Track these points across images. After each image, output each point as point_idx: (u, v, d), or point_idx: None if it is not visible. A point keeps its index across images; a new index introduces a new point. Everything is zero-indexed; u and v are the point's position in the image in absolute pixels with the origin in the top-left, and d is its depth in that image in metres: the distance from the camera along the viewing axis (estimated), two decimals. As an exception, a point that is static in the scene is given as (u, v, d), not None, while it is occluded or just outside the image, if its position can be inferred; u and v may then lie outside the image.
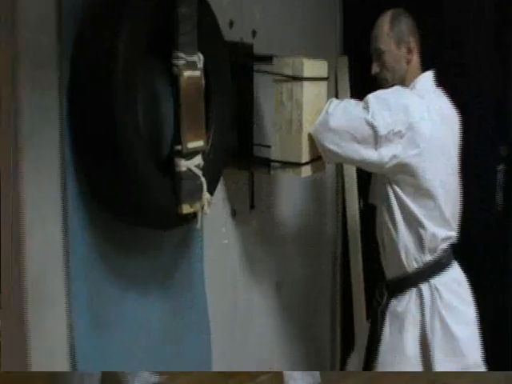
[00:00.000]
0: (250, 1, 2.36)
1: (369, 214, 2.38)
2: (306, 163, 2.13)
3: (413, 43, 2.19)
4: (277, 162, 2.13)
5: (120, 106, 1.58)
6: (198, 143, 1.81)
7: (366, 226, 2.75)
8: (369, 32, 2.24)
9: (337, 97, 2.94)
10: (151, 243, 1.93)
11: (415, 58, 2.21)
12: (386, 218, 2.17)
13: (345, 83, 2.94)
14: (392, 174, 2.11)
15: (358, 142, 2.06)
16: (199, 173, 1.82)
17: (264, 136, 2.44)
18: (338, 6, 3.04)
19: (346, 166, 2.98)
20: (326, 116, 2.12)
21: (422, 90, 2.16)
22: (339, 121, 2.08)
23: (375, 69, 2.23)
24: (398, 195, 2.13)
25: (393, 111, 2.04)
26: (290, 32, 2.63)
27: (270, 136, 2.20)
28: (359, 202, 2.98)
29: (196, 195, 1.82)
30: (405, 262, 2.16)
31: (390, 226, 2.16)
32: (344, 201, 3.04)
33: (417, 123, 2.05)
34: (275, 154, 2.13)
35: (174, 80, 1.75)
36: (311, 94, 2.12)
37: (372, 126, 2.04)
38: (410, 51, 2.19)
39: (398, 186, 2.11)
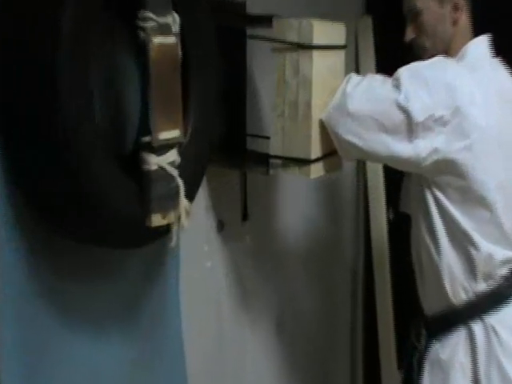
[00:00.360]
0: None
1: (401, 228, 2.40)
2: (317, 160, 2.14)
3: None
4: (278, 158, 2.15)
5: (66, 85, 1.55)
6: (173, 133, 1.82)
7: (397, 243, 2.76)
8: None
9: (357, 71, 2.99)
10: (110, 267, 1.93)
11: (464, 19, 2.23)
12: (424, 232, 2.19)
13: (368, 53, 2.98)
14: (432, 173, 2.12)
15: (387, 131, 2.07)
16: (174, 172, 1.82)
17: (261, 124, 2.45)
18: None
19: (369, 163, 3.02)
20: (342, 97, 2.13)
21: (473, 62, 2.17)
22: (361, 103, 2.09)
23: (410, 34, 2.25)
24: (440, 202, 2.14)
25: (433, 90, 2.05)
26: None
27: (269, 124, 2.21)
28: (388, 211, 3.01)
29: (170, 202, 1.83)
30: (450, 293, 2.17)
31: (430, 243, 2.18)
32: (367, 209, 3.07)
33: (466, 106, 2.06)
34: (276, 147, 2.15)
35: (140, 49, 1.75)
36: (323, 67, 2.14)
37: (405, 111, 2.04)
38: (456, 8, 2.21)
39: (441, 190, 2.13)
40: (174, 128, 1.82)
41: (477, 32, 2.26)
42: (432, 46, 2.21)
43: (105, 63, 1.80)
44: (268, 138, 2.18)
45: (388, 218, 3.01)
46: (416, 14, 2.21)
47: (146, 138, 1.77)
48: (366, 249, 3.12)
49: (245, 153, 2.29)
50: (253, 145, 2.32)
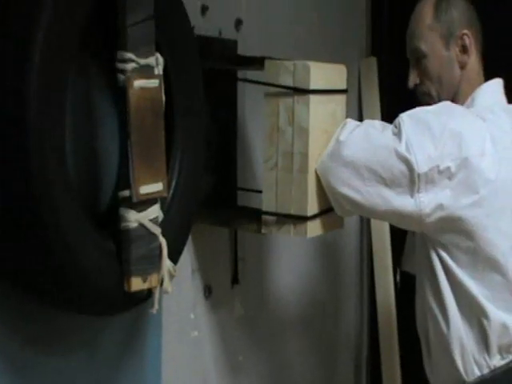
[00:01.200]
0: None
1: (411, 291, 2.37)
2: (315, 217, 2.13)
3: (469, 37, 2.20)
4: (271, 214, 2.14)
5: (35, 132, 1.52)
6: (156, 187, 1.81)
7: (406, 308, 2.68)
8: (405, 22, 2.25)
9: (360, 118, 2.99)
10: (86, 336, 1.90)
11: (473, 61, 2.23)
12: (431, 298, 2.16)
13: (373, 97, 3.00)
14: (437, 232, 2.10)
15: (386, 183, 2.05)
16: (157, 230, 1.81)
17: (253, 177, 2.46)
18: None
19: (374, 219, 3.00)
20: (337, 145, 2.11)
21: (484, 108, 2.16)
22: (356, 152, 2.08)
23: (413, 79, 2.25)
24: (446, 265, 2.11)
25: (438, 139, 2.03)
26: (290, 25, 2.66)
27: (262, 177, 2.20)
28: (395, 273, 2.97)
29: (152, 264, 1.82)
30: (461, 368, 2.13)
31: (437, 311, 2.15)
32: (372, 271, 3.06)
33: (475, 158, 2.04)
34: (269, 203, 2.14)
35: (119, 93, 1.75)
36: (322, 114, 2.14)
37: (406, 161, 2.02)
38: (464, 50, 2.20)
39: (447, 251, 2.10)
40: (156, 181, 1.81)
41: (489, 75, 2.26)
42: (438, 93, 2.22)
43: (80, 109, 1.79)
44: (260, 192, 2.17)
45: (395, 281, 2.99)
46: (420, 58, 2.22)
47: (125, 193, 1.76)
48: (371, 316, 3.11)
49: (235, 209, 2.29)
50: (244, 200, 2.32)
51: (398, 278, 2.99)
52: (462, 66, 2.21)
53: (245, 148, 2.42)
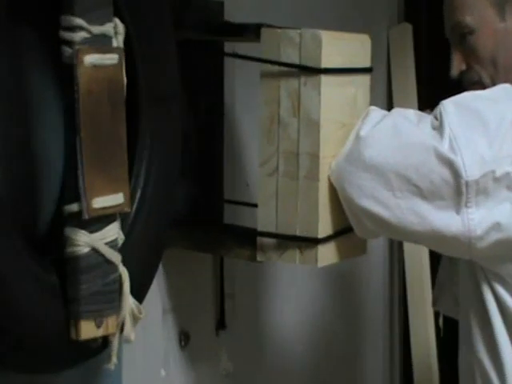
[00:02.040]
0: None
1: (456, 340, 2.37)
2: (328, 239, 2.14)
3: None
4: (270, 236, 2.14)
5: None
6: (114, 199, 1.81)
7: (452, 365, 2.71)
8: None
9: (390, 105, 3.01)
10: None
11: None
12: (481, 351, 2.15)
13: (407, 76, 2.99)
14: (492, 261, 2.08)
15: (422, 195, 2.03)
16: (116, 258, 1.82)
17: (244, 186, 2.50)
18: None
19: (407, 244, 3.01)
20: (356, 143, 2.09)
21: None
22: (383, 153, 2.06)
23: (458, 65, 2.24)
24: (504, 305, 2.10)
25: (494, 136, 2.01)
26: None
27: (257, 186, 2.20)
28: (436, 316, 2.98)
29: (108, 303, 1.82)
30: None
31: (490, 367, 2.14)
32: (406, 312, 3.07)
33: None
34: (266, 220, 2.14)
35: (64, 72, 1.73)
36: (337, 101, 2.13)
37: (451, 165, 1.99)
38: None
39: (505, 286, 2.09)
40: (115, 192, 1.81)
41: None
42: (492, 79, 2.20)
43: (9, 95, 1.77)
44: (255, 205, 2.18)
45: (437, 327, 2.97)
46: (465, 36, 2.21)
47: (73, 207, 1.76)
48: (405, 374, 3.15)
49: (221, 228, 2.31)
50: (233, 216, 2.36)
51: (440, 322, 2.97)
52: None
53: (234, 147, 2.45)
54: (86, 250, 1.76)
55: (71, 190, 1.76)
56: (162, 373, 2.31)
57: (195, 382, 2.42)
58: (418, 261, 3.01)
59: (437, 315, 3.00)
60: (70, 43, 1.71)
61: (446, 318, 2.96)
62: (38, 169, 1.84)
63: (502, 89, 2.12)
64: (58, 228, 1.77)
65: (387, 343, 3.20)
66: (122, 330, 1.84)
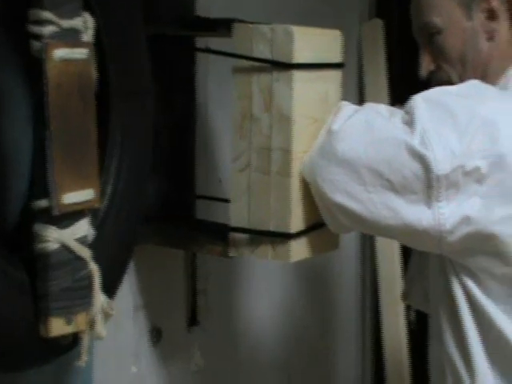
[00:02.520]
0: None
1: (423, 334, 2.36)
2: (301, 234, 2.14)
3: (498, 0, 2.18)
4: (242, 231, 2.13)
5: None
6: (85, 195, 1.80)
7: (423, 359, 2.68)
8: None
9: (362, 101, 3.00)
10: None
11: (504, 28, 2.20)
12: (451, 346, 2.14)
13: (378, 72, 2.99)
14: (462, 255, 2.07)
15: (395, 189, 2.03)
16: (86, 254, 1.81)
17: (216, 181, 2.49)
18: None
19: (379, 239, 3.04)
20: (328, 137, 2.09)
21: None
22: (355, 147, 2.05)
23: (427, 66, 2.24)
24: (474, 300, 2.08)
25: (464, 130, 2.01)
26: None
27: (229, 181, 2.19)
28: (408, 310, 2.97)
29: (79, 299, 1.81)
30: None
31: (460, 363, 2.12)
32: (377, 306, 3.05)
33: None
34: (239, 216, 2.14)
35: (32, 66, 1.72)
36: (309, 96, 2.13)
37: (421, 160, 1.99)
38: (492, 15, 2.18)
39: (475, 280, 2.08)
40: (85, 187, 1.80)
41: None
42: (460, 78, 2.19)
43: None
44: (228, 201, 2.17)
45: (408, 321, 2.97)
46: (433, 36, 2.20)
47: (42, 203, 1.74)
48: (376, 366, 3.15)
49: (193, 224, 2.31)
50: (205, 212, 2.36)
51: (412, 316, 2.98)
52: (491, 37, 2.19)
53: (206, 142, 2.45)
54: (55, 246, 1.75)
55: (40, 185, 1.75)
56: (134, 369, 2.31)
57: (167, 379, 2.41)
58: (389, 256, 3.02)
59: (408, 309, 3.01)
60: (38, 37, 1.69)
61: (417, 312, 2.97)
62: (6, 164, 1.82)
63: (471, 84, 2.12)
64: (27, 224, 1.76)
65: (359, 338, 3.21)
66: (92, 326, 1.83)
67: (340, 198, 2.05)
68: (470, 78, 2.17)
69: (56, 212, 1.74)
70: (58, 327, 1.76)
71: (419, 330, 2.93)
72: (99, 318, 1.84)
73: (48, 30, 1.70)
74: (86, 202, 1.80)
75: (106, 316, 1.86)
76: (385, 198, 2.02)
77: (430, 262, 2.21)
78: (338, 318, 3.14)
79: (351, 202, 2.04)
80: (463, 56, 2.19)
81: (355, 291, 3.19)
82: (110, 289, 1.90)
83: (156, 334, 2.35)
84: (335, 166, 2.04)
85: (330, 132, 2.08)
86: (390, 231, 2.13)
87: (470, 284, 2.06)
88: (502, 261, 2.03)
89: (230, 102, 2.13)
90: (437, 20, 2.18)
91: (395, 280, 3.00)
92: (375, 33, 2.96)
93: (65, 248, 1.76)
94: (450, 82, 2.18)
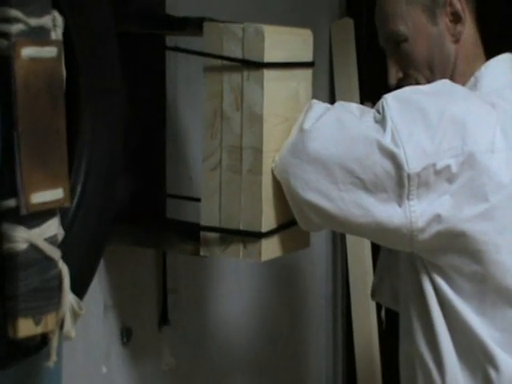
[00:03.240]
0: None
1: (394, 332, 2.36)
2: (272, 233, 2.13)
3: (460, 1, 2.18)
4: (213, 230, 2.12)
5: None
6: (54, 194, 1.78)
7: (393, 356, 2.66)
8: None
9: (333, 99, 2.98)
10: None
11: (468, 29, 2.21)
12: (421, 343, 2.13)
13: (348, 70, 2.98)
14: (432, 253, 2.07)
15: (366, 188, 2.03)
16: (55, 253, 1.79)
17: (187, 180, 2.49)
18: None
19: (349, 237, 3.03)
20: (300, 136, 2.09)
21: (491, 91, 2.14)
22: (326, 145, 2.05)
23: (395, 74, 2.24)
24: (443, 297, 2.08)
25: (435, 129, 2.01)
26: None
27: (200, 180, 2.18)
28: (378, 308, 2.96)
29: (48, 299, 1.79)
30: None
31: (429, 360, 2.13)
32: (348, 304, 3.03)
33: (483, 154, 2.01)
34: (210, 215, 2.13)
35: (1, 65, 1.67)
36: (280, 95, 2.13)
37: (392, 158, 1.99)
38: (456, 18, 2.18)
39: (445, 278, 2.07)
40: (54, 186, 1.78)
41: (491, 49, 2.22)
42: (429, 82, 2.17)
43: None
44: (198, 200, 2.17)
45: (379, 318, 2.97)
46: (399, 44, 2.20)
47: (10, 202, 1.72)
48: (347, 365, 3.13)
49: (164, 223, 2.31)
50: (176, 211, 2.35)
51: (382, 314, 2.95)
52: (456, 40, 2.19)
53: (177, 141, 2.44)
54: (24, 246, 1.73)
55: (8, 184, 1.72)
56: (104, 369, 2.29)
57: (137, 378, 2.41)
58: (360, 254, 3.02)
59: (379, 308, 2.99)
60: (6, 35, 1.66)
61: (387, 311, 2.91)
62: None
63: (441, 83, 2.12)
64: None
65: (330, 336, 3.20)
66: (61, 327, 1.81)
67: (312, 197, 2.04)
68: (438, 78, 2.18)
69: (24, 211, 1.71)
70: (26, 328, 1.74)
71: (390, 329, 2.91)
72: (68, 319, 1.82)
73: (16, 28, 1.66)
74: (55, 201, 1.77)
75: (76, 316, 1.84)
76: (356, 196, 2.01)
77: (400, 260, 2.21)
78: (309, 318, 3.13)
79: (323, 201, 2.03)
80: (430, 61, 2.19)
81: (326, 290, 3.19)
82: (80, 288, 1.89)
83: (126, 334, 2.35)
84: (307, 165, 2.03)
85: (301, 131, 2.07)
86: (361, 229, 2.12)
87: (440, 282, 2.05)
88: (471, 259, 2.02)
89: (200, 100, 2.13)
90: (402, 28, 2.18)
91: (366, 279, 2.98)
92: (345, 32, 2.96)
93: (33, 248, 1.74)
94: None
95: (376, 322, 2.99)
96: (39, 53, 1.70)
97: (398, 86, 2.20)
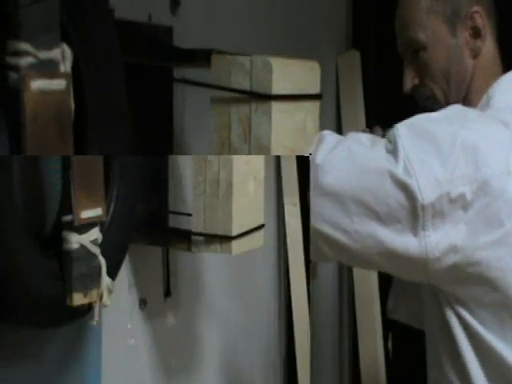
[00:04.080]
0: None
1: (400, 362, 1.83)
2: (239, 236, 2.12)
3: (481, 16, 1.68)
4: (200, 235, 2.12)
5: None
6: (95, 212, 1.79)
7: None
8: (395, 6, 1.71)
9: (340, 131, 2.40)
10: (27, 348, 1.86)
11: (488, 46, 1.71)
12: (450, 372, 1.62)
13: (355, 101, 2.38)
14: (450, 284, 1.57)
15: (380, 219, 1.53)
16: (96, 251, 1.79)
17: (183, 201, 2.41)
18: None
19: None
20: (313, 169, 1.61)
21: (504, 108, 1.62)
22: (340, 178, 1.56)
23: (411, 81, 1.73)
24: (468, 327, 1.57)
25: (447, 157, 1.51)
26: (244, 7, 2.05)
27: (191, 201, 2.19)
28: (386, 340, 2.24)
29: (92, 281, 1.79)
30: None
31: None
32: (355, 336, 2.37)
33: (497, 179, 1.51)
34: (197, 225, 2.12)
35: (9, 97, 1.33)
36: (287, 127, 1.69)
37: (406, 188, 1.51)
38: (476, 33, 1.69)
39: (467, 308, 1.56)
40: (95, 207, 1.79)
41: (508, 64, 1.72)
42: (444, 94, 1.69)
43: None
44: (190, 215, 2.16)
45: (386, 349, 2.29)
46: (417, 52, 1.70)
47: (68, 217, 1.74)
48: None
49: (167, 230, 2.24)
50: (175, 222, 2.27)
51: (389, 345, 2.36)
52: (475, 55, 1.68)
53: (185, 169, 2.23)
54: (76, 246, 1.74)
55: (67, 204, 1.74)
56: (128, 326, 2.26)
57: (150, 332, 2.35)
58: (366, 282, 2.38)
59: (385, 338, 2.39)
60: (16, 68, 1.31)
61: (394, 341, 2.38)
62: (44, 188, 1.82)
63: (453, 110, 1.61)
64: (58, 231, 1.76)
65: (337, 365, 2.56)
66: (101, 298, 1.83)
67: (326, 229, 1.57)
68: (453, 93, 1.71)
69: (77, 223, 1.74)
70: (78, 299, 1.75)
71: (396, 359, 2.37)
72: (105, 293, 1.83)
73: (25, 61, 1.31)
74: (96, 216, 1.79)
75: (110, 291, 1.85)
76: (370, 228, 1.54)
77: (422, 291, 1.72)
78: (316, 346, 2.62)
79: (337, 233, 1.56)
80: (447, 72, 1.69)
81: (332, 319, 2.60)
82: (112, 273, 1.88)
83: (143, 303, 2.31)
84: (321, 198, 1.57)
85: (314, 165, 1.58)
86: (375, 261, 1.60)
87: (463, 312, 1.56)
88: (489, 287, 1.53)
89: (206, 131, 1.69)
90: (422, 36, 1.68)
91: (374, 309, 2.36)
92: (352, 63, 2.35)
93: (82, 247, 1.75)
94: (433, 98, 1.72)
95: (383, 351, 2.34)
96: (48, 85, 1.35)
97: (413, 94, 1.74)
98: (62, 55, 1.38)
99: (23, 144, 1.31)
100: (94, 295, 1.80)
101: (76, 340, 2.02)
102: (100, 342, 2.10)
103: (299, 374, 2.94)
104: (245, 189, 2.10)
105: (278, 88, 1.62)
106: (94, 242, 1.79)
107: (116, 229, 1.91)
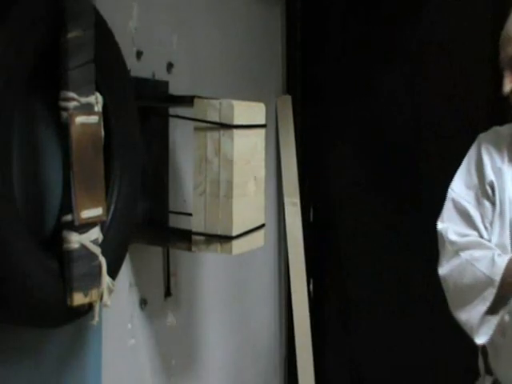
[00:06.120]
0: (165, 26, 2.37)
1: (317, 299, 2.29)
2: (239, 236, 2.13)
3: None
4: (200, 235, 2.12)
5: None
6: (96, 212, 1.79)
7: (316, 313, 2.71)
8: (318, 61, 2.15)
9: (278, 149, 2.98)
10: (27, 348, 1.86)
11: None
12: None
13: (288, 130, 2.95)
14: None
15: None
16: (97, 250, 1.80)
17: (184, 201, 2.44)
18: (280, 34, 3.11)
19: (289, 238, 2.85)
20: (440, 279, 1.95)
21: None
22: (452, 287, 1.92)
23: (509, 84, 1.81)
24: None
25: None
26: (216, 67, 2.66)
27: (192, 201, 2.19)
28: (308, 284, 2.89)
29: (92, 280, 1.80)
30: None
31: None
32: (289, 284, 2.91)
33: None
34: (198, 225, 2.13)
35: (62, 129, 1.73)
36: (244, 146, 2.15)
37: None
38: None
39: None
40: (96, 206, 1.80)
41: None
42: None
43: (26, 142, 1.78)
44: (190, 215, 2.16)
45: (308, 291, 2.90)
46: None
47: (68, 217, 1.74)
48: (288, 322, 3.04)
49: (167, 230, 2.26)
50: (175, 222, 2.30)
51: (311, 287, 2.94)
52: None
53: (176, 177, 2.40)
54: (76, 245, 1.76)
55: (67, 204, 1.76)
56: (129, 326, 2.27)
57: (150, 331, 2.37)
58: (298, 252, 2.94)
59: (308, 283, 2.94)
60: (66, 109, 1.72)
61: (314, 284, 2.90)
62: (46, 190, 1.84)
63: None
64: (58, 231, 1.77)
65: (277, 303, 3.12)
66: (101, 298, 1.83)
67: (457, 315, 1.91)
68: None
69: (77, 223, 1.75)
70: (78, 299, 1.77)
71: (315, 297, 2.90)
72: (106, 293, 1.84)
73: (72, 104, 1.73)
74: (97, 216, 1.80)
75: (110, 291, 1.86)
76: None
77: None
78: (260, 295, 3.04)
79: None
80: None
81: (273, 274, 3.12)
82: (113, 273, 1.89)
83: (143, 302, 2.32)
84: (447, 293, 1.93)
85: (440, 276, 1.95)
86: None
87: None
88: None
89: (191, 150, 2.15)
90: None
91: (300, 261, 2.92)
92: (286, 104, 2.96)
93: (83, 247, 1.77)
94: None
95: (307, 293, 2.93)
96: (87, 120, 1.76)
97: (507, 95, 1.84)
98: (96, 100, 1.80)
99: (71, 159, 1.73)
100: (94, 295, 1.81)
101: (77, 339, 2.02)
102: (100, 341, 2.10)
103: (300, 374, 2.95)
104: (245, 189, 2.15)
105: (238, 120, 2.10)
106: (94, 241, 1.79)
107: (116, 228, 1.92)
